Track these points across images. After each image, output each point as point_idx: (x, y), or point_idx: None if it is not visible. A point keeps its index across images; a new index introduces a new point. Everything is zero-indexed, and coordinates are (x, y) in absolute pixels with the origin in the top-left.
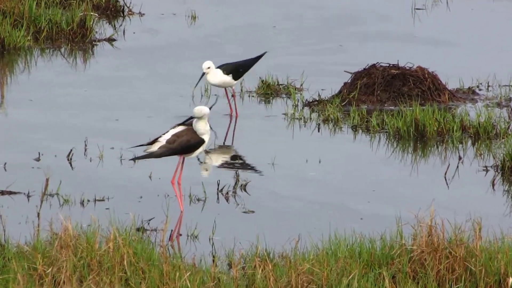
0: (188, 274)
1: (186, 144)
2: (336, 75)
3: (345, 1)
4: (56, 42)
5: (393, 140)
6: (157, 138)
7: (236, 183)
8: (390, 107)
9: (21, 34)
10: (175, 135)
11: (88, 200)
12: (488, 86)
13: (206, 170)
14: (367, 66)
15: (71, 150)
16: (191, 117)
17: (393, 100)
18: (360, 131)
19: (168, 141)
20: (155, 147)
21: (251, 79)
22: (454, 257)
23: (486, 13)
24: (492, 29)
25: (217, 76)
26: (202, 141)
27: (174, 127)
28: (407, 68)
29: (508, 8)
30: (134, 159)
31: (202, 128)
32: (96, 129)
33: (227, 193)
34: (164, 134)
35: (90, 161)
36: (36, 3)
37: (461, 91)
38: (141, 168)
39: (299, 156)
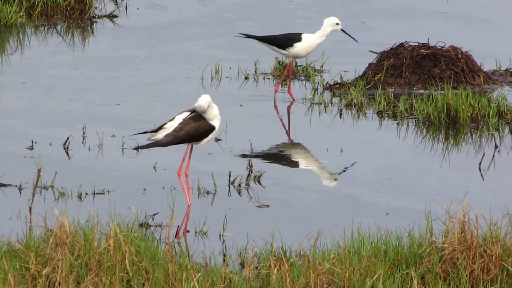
0: (198, 275)
1: (194, 132)
2: (359, 55)
3: None
4: (51, 18)
5: (422, 127)
6: (162, 125)
7: (249, 175)
8: (420, 91)
9: (13, 9)
10: (183, 123)
11: (86, 193)
12: None
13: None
14: (394, 46)
15: (67, 138)
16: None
17: (423, 83)
18: (387, 117)
19: (174, 129)
20: (160, 135)
21: (266, 59)
22: (489, 256)
23: None
24: None
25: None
26: (211, 128)
27: (181, 113)
28: (438, 47)
29: None
30: (137, 148)
31: (211, 113)
32: (95, 115)
33: (239, 185)
34: (170, 120)
35: (89, 150)
36: None
37: (497, 73)
38: (145, 158)
39: (319, 145)
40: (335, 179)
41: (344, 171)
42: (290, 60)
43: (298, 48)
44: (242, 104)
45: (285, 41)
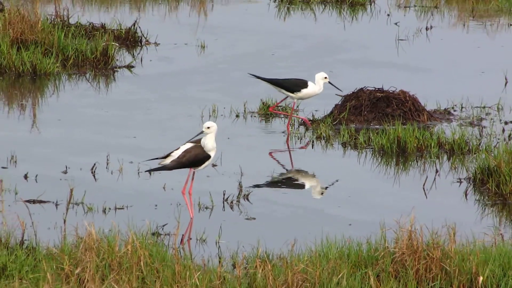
0: (198, 273)
1: (194, 159)
2: (328, 97)
3: (328, 31)
4: (81, 68)
5: (378, 156)
6: (170, 153)
7: (239, 193)
8: (376, 126)
9: (51, 61)
10: (185, 151)
11: (109, 208)
12: (462, 107)
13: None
14: (355, 90)
15: (94, 164)
16: (200, 133)
17: (378, 120)
18: (349, 147)
19: (179, 156)
20: (167, 161)
21: (253, 101)
22: (431, 258)
23: (459, 42)
24: (465, 56)
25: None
26: (208, 157)
27: (184, 144)
28: (391, 91)
29: (478, 38)
30: (150, 171)
31: (209, 144)
32: (117, 146)
33: (232, 202)
34: (176, 149)
35: (111, 173)
36: (64, 34)
37: (438, 112)
38: (156, 180)
39: (295, 169)
40: (322, 193)
41: (327, 188)
42: (294, 102)
43: (303, 93)
44: (229, 137)
45: (293, 86)
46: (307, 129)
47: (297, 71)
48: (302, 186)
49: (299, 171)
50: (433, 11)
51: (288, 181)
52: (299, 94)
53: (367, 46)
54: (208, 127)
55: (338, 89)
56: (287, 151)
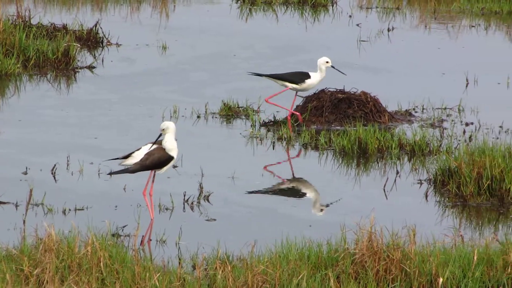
0: (158, 275)
1: (157, 161)
2: (290, 98)
3: (290, 32)
4: (42, 69)
5: (339, 157)
6: (131, 153)
7: (200, 194)
8: (337, 127)
9: (12, 62)
10: (148, 154)
11: (69, 209)
12: (423, 108)
13: (321, 211)
14: (317, 91)
15: (54, 165)
16: (159, 136)
17: (339, 121)
18: (310, 148)
19: (142, 159)
20: (129, 161)
21: (214, 102)
22: (391, 259)
23: (421, 44)
24: (427, 58)
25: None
26: (170, 158)
27: (146, 144)
28: (352, 92)
29: (439, 39)
30: (112, 173)
31: (169, 144)
32: (77, 146)
33: (192, 203)
34: (137, 150)
35: (72, 174)
36: (26, 35)
37: (399, 113)
38: (117, 181)
39: (256, 170)
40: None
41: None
42: (296, 93)
43: (308, 83)
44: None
45: (297, 77)
46: (268, 130)
47: (261, 72)
48: (263, 187)
49: (259, 172)
50: (395, 12)
51: (248, 182)
52: (303, 85)
53: (329, 47)
54: (163, 129)
55: (342, 73)
56: (249, 152)
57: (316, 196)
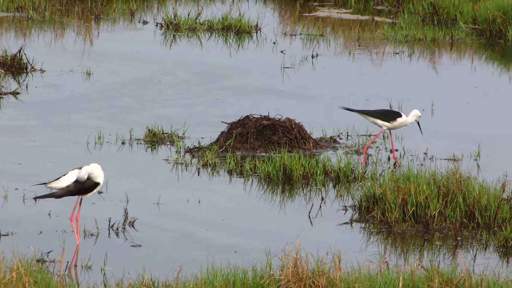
0: None
1: (82, 187)
2: (214, 125)
3: (214, 59)
4: None
5: (264, 183)
6: (58, 178)
7: (125, 220)
8: (262, 154)
9: None
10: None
11: None
12: (348, 135)
13: None
14: (242, 117)
15: None
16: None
17: (264, 147)
18: (235, 174)
19: (67, 185)
20: (56, 185)
21: (139, 128)
22: (316, 286)
23: (345, 70)
24: (351, 84)
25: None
26: (96, 184)
27: (73, 170)
28: (277, 119)
29: (363, 66)
30: (36, 198)
31: (96, 172)
32: (1, 172)
33: (117, 228)
34: (64, 175)
35: None
36: None
37: (324, 140)
38: (41, 207)
39: (180, 196)
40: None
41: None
42: (382, 129)
43: (398, 122)
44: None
45: (389, 116)
46: (193, 156)
47: (185, 98)
48: (186, 214)
49: (184, 199)
50: (319, 39)
51: (174, 208)
52: (394, 123)
53: (253, 73)
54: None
55: (421, 131)
56: (174, 178)
57: None
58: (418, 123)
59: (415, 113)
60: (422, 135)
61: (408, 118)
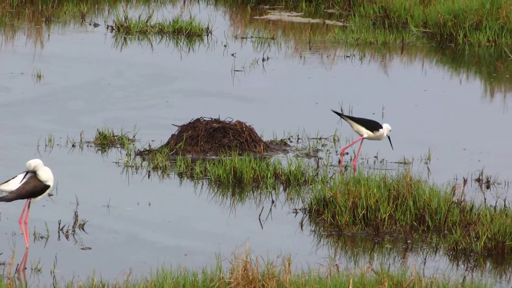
0: None
1: (33, 190)
2: (164, 128)
3: (165, 61)
4: None
5: (214, 186)
6: (7, 181)
7: (75, 223)
8: (212, 157)
9: None
10: (24, 183)
11: None
12: (298, 138)
13: None
14: (192, 120)
15: None
16: (27, 173)
17: (215, 150)
18: (186, 177)
19: (17, 188)
20: (5, 187)
21: (90, 131)
22: None
23: (295, 73)
24: (301, 87)
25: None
26: (46, 187)
27: (22, 173)
28: (227, 122)
29: (313, 69)
30: None
31: (44, 176)
32: None
33: (67, 231)
34: (13, 178)
35: None
36: None
37: (274, 143)
38: None
39: (131, 199)
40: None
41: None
42: (363, 137)
43: (380, 132)
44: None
45: (373, 126)
46: (143, 159)
47: (136, 101)
48: (136, 216)
49: (134, 201)
50: (270, 42)
51: (124, 211)
52: (376, 133)
53: (204, 76)
54: (31, 169)
55: (391, 146)
56: (124, 181)
57: None
58: (389, 137)
59: (386, 127)
60: (393, 150)
61: (383, 131)
